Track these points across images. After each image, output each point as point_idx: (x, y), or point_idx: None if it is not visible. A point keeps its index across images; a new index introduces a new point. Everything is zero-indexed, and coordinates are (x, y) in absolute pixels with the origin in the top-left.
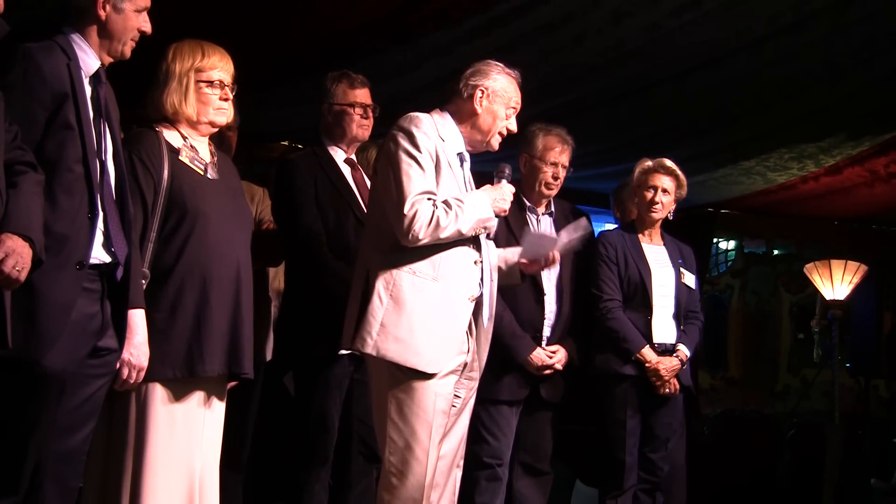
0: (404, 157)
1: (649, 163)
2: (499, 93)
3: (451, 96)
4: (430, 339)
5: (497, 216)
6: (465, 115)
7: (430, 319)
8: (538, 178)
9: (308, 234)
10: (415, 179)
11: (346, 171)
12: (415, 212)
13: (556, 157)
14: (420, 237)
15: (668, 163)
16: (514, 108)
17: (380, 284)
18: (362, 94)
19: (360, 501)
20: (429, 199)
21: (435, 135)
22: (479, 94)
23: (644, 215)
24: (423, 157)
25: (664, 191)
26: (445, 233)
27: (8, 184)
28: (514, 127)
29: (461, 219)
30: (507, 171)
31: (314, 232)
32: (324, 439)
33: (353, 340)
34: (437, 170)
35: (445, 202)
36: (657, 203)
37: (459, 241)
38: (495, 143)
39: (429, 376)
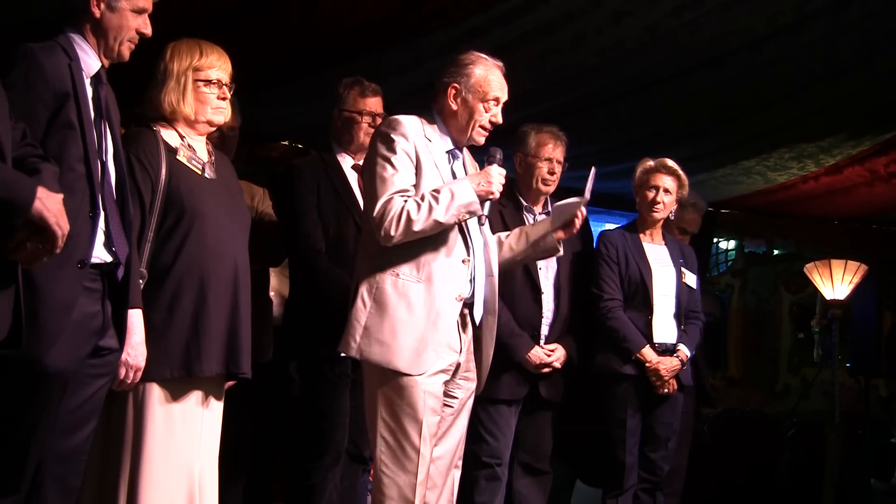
0: (379, 161)
1: (651, 162)
2: (472, 87)
3: (434, 94)
4: (412, 342)
5: (486, 199)
6: (445, 112)
7: (412, 321)
8: (534, 174)
9: (306, 240)
10: (388, 181)
11: (353, 177)
12: (384, 210)
13: (550, 152)
14: (392, 233)
15: (670, 163)
16: (494, 99)
17: (364, 288)
18: (373, 103)
19: (344, 499)
20: (401, 195)
21: (418, 136)
22: (452, 91)
23: (645, 215)
24: (398, 158)
25: (665, 191)
26: (419, 225)
27: (28, 173)
28: (498, 119)
29: (436, 209)
30: (497, 156)
31: (313, 238)
32: (336, 437)
33: (340, 344)
34: (419, 171)
35: (420, 196)
36: (659, 203)
37: (445, 240)
38: (477, 137)
39: (416, 375)
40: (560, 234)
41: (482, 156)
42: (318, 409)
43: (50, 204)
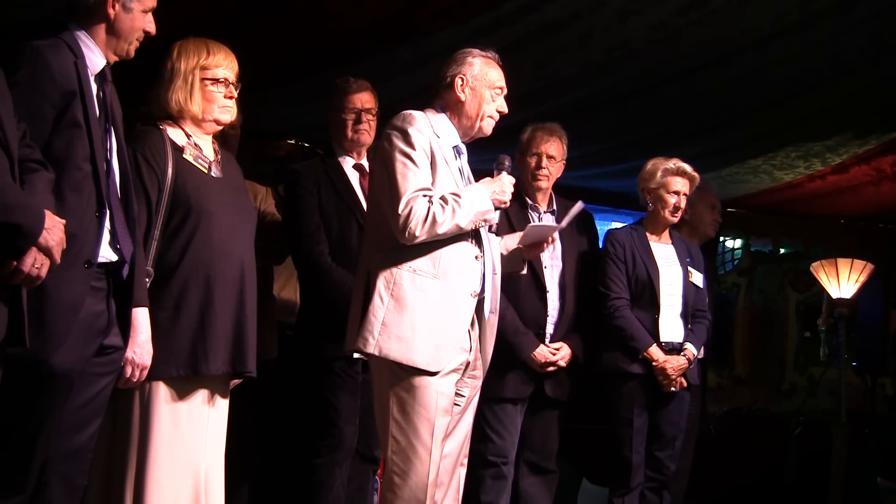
0: (399, 156)
1: (671, 165)
2: (478, 77)
3: (438, 91)
4: (432, 338)
5: (498, 208)
6: (452, 105)
7: (431, 317)
8: (524, 170)
9: (308, 241)
10: (409, 177)
11: (355, 177)
12: (410, 209)
13: (538, 147)
14: (417, 234)
15: (689, 169)
16: (498, 88)
17: (380, 284)
18: (356, 99)
19: (353, 499)
20: (424, 195)
21: (429, 131)
22: (459, 81)
23: (664, 217)
24: (417, 154)
25: (685, 195)
26: (443, 228)
27: (21, 181)
28: (503, 108)
29: (458, 213)
30: (506, 163)
31: (314, 239)
32: (346, 433)
33: (356, 341)
34: (433, 166)
35: (442, 198)
36: (681, 209)
37: (460, 237)
38: (487, 127)
39: (430, 374)
40: (525, 253)
41: (480, 156)
42: (329, 406)
43: (54, 234)
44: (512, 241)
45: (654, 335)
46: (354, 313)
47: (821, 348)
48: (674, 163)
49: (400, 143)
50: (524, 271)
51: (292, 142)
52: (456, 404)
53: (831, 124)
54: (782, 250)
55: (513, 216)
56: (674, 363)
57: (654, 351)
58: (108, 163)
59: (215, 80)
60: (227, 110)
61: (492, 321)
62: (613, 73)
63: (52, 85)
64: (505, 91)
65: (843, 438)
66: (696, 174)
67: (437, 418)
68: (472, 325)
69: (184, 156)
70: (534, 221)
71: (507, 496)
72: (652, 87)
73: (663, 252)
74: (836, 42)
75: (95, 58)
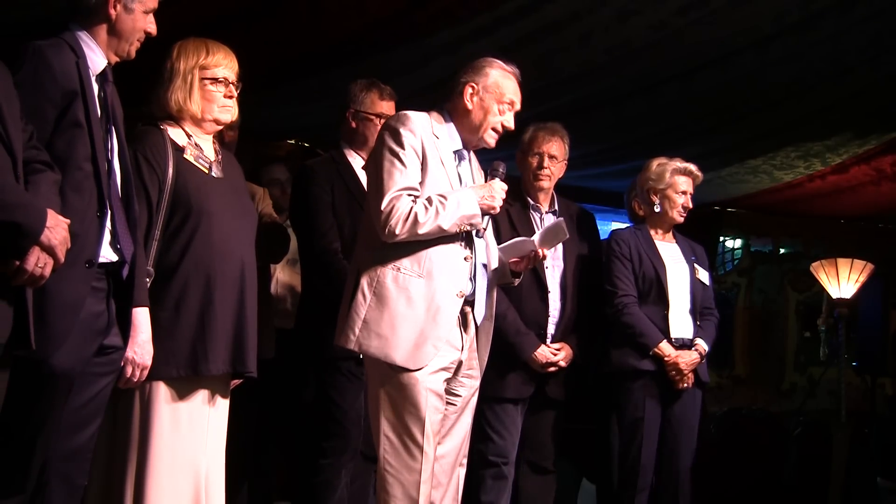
0: (387, 155)
1: (678, 164)
2: (490, 89)
3: (448, 93)
4: (412, 336)
5: (487, 213)
6: (458, 111)
7: (412, 315)
8: (526, 170)
9: (322, 239)
10: (395, 176)
11: (364, 177)
12: (392, 207)
13: (540, 146)
14: (397, 232)
15: (695, 168)
16: (508, 104)
17: (364, 281)
18: (389, 106)
19: (356, 499)
20: (409, 195)
21: (426, 132)
22: (469, 90)
23: (672, 217)
24: (406, 154)
25: (691, 195)
26: (424, 229)
27: (25, 181)
28: (510, 124)
29: (442, 215)
30: (500, 170)
31: (328, 238)
32: (353, 434)
33: (339, 337)
34: (425, 167)
35: (428, 199)
36: (689, 207)
37: (449, 238)
38: (489, 139)
39: (416, 372)
40: (513, 266)
41: (478, 156)
42: (337, 406)
43: (56, 233)
44: (503, 254)
45: (665, 331)
46: (343, 310)
47: (821, 348)
48: (679, 162)
49: (390, 142)
50: (516, 283)
51: (292, 142)
52: (452, 404)
53: (831, 124)
54: (782, 250)
55: (514, 216)
56: (686, 358)
57: (665, 347)
58: (110, 163)
59: (215, 80)
60: (226, 110)
61: (485, 327)
62: (613, 73)
63: (54, 84)
64: (517, 107)
65: (843, 438)
66: (699, 173)
67: (428, 416)
68: (467, 327)
69: (184, 156)
70: (535, 222)
71: (508, 496)
72: (652, 87)
73: (668, 250)
74: (836, 42)
75: (97, 58)
